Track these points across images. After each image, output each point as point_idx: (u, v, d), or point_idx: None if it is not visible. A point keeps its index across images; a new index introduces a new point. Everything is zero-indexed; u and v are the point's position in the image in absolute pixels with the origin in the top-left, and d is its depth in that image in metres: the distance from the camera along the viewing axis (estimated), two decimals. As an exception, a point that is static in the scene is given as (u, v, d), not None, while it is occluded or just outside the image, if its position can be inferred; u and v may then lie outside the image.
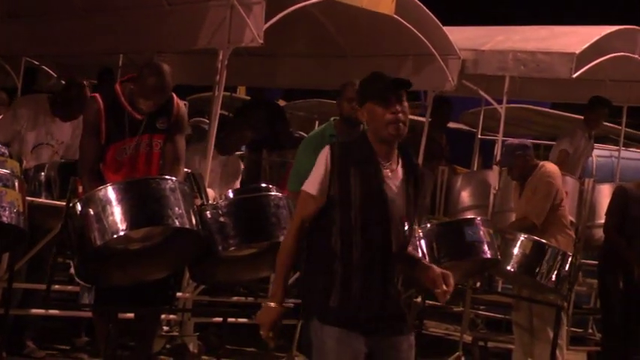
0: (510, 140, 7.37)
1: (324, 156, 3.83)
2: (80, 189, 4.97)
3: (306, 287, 3.82)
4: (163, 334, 6.59)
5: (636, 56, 8.68)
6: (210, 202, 5.90)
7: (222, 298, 7.56)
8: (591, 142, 8.86)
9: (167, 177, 4.96)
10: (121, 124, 5.17)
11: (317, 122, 11.72)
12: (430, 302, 8.84)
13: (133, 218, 4.70)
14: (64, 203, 4.92)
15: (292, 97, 11.19)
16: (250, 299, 7.98)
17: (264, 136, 9.01)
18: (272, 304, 3.74)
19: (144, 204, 4.74)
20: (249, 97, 13.18)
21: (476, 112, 10.38)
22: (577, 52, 8.02)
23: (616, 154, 10.32)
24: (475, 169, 10.17)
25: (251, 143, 9.47)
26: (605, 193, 8.21)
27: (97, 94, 5.27)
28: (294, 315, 7.07)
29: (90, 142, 5.17)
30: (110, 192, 4.71)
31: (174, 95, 5.38)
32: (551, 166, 7.10)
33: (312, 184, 3.85)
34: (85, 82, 6.57)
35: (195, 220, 4.88)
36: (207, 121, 9.57)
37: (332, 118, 6.08)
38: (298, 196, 5.80)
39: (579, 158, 8.68)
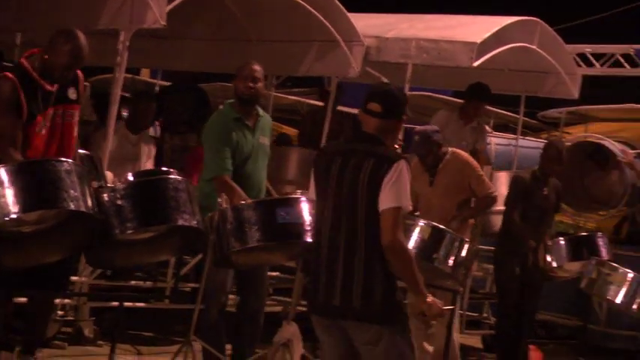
0: (421, 127, 7.35)
1: (408, 172, 4.04)
2: None
3: (391, 289, 4.05)
4: (58, 318, 6.49)
5: (534, 47, 8.84)
6: (108, 184, 5.81)
7: (121, 282, 7.48)
8: (466, 128, 8.57)
9: (63, 159, 4.88)
10: (36, 97, 5.07)
11: (221, 106, 11.61)
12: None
13: (25, 201, 4.62)
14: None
15: (196, 81, 11.13)
16: (149, 283, 7.92)
17: (184, 121, 8.90)
18: (433, 298, 4.11)
19: (37, 186, 4.66)
20: (152, 80, 13.04)
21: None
22: (478, 41, 8.11)
23: (514, 142, 10.53)
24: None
25: (168, 126, 9.35)
26: (502, 181, 8.36)
27: (8, 72, 5.15)
28: (191, 300, 7.09)
29: (9, 120, 5.03)
30: (2, 173, 4.61)
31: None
32: (461, 151, 7.23)
33: (408, 201, 4.07)
34: None
35: (92, 203, 4.81)
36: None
37: (227, 101, 6.07)
38: (222, 182, 5.74)
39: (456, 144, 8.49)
